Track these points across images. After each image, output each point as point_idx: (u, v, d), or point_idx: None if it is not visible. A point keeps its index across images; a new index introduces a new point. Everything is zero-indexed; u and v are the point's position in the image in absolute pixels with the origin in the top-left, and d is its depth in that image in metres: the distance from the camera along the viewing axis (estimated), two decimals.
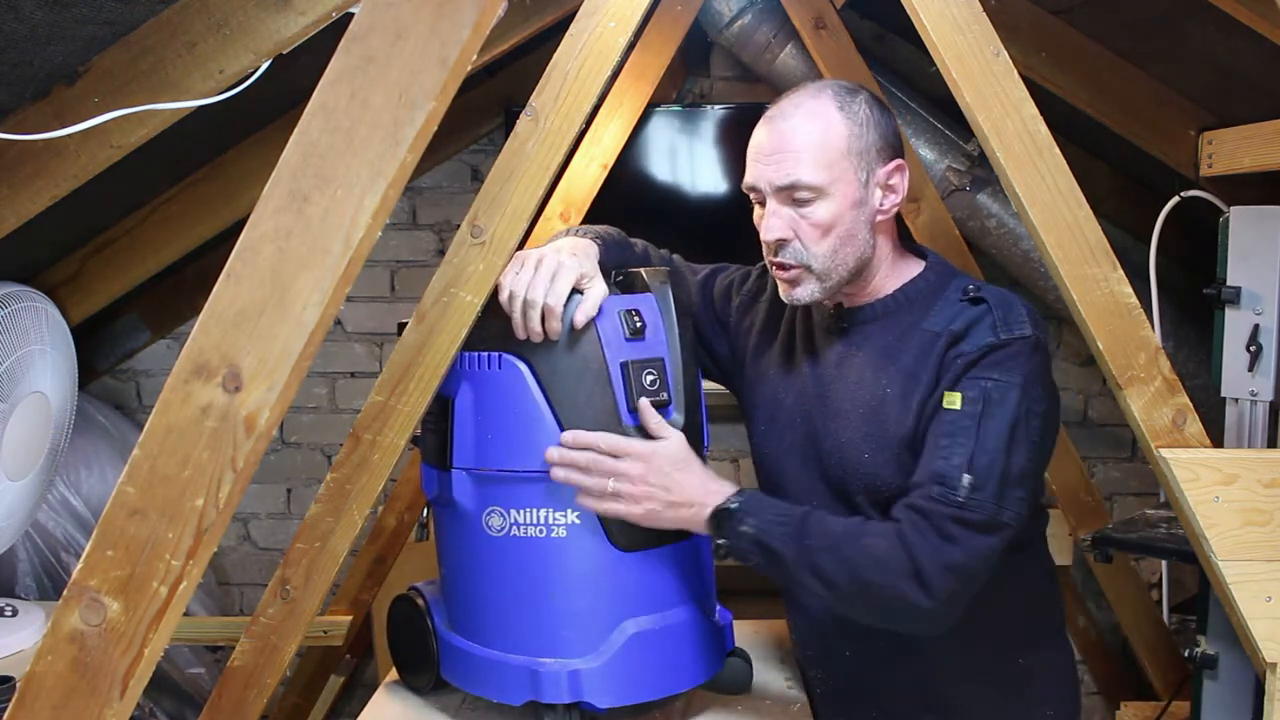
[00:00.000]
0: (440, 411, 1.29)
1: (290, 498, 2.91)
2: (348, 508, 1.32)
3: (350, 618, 2.00)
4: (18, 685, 0.90)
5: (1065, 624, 1.45)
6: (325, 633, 1.96)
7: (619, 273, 1.35)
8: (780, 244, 1.29)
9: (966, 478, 1.19)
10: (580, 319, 1.23)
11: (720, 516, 1.23)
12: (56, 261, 2.15)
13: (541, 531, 1.25)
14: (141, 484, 0.82)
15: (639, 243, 1.49)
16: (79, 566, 0.83)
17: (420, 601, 1.39)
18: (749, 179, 1.31)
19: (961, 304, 1.28)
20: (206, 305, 0.83)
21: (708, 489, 1.24)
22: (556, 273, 1.23)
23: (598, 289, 1.26)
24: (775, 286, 1.36)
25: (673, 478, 1.23)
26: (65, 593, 0.83)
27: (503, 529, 1.26)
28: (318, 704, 2.62)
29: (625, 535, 1.26)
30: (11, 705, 0.83)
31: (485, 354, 1.26)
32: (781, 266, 1.31)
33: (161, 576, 0.82)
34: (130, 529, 0.82)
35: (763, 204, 1.31)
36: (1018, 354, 1.23)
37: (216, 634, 2.16)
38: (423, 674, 1.38)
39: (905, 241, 1.38)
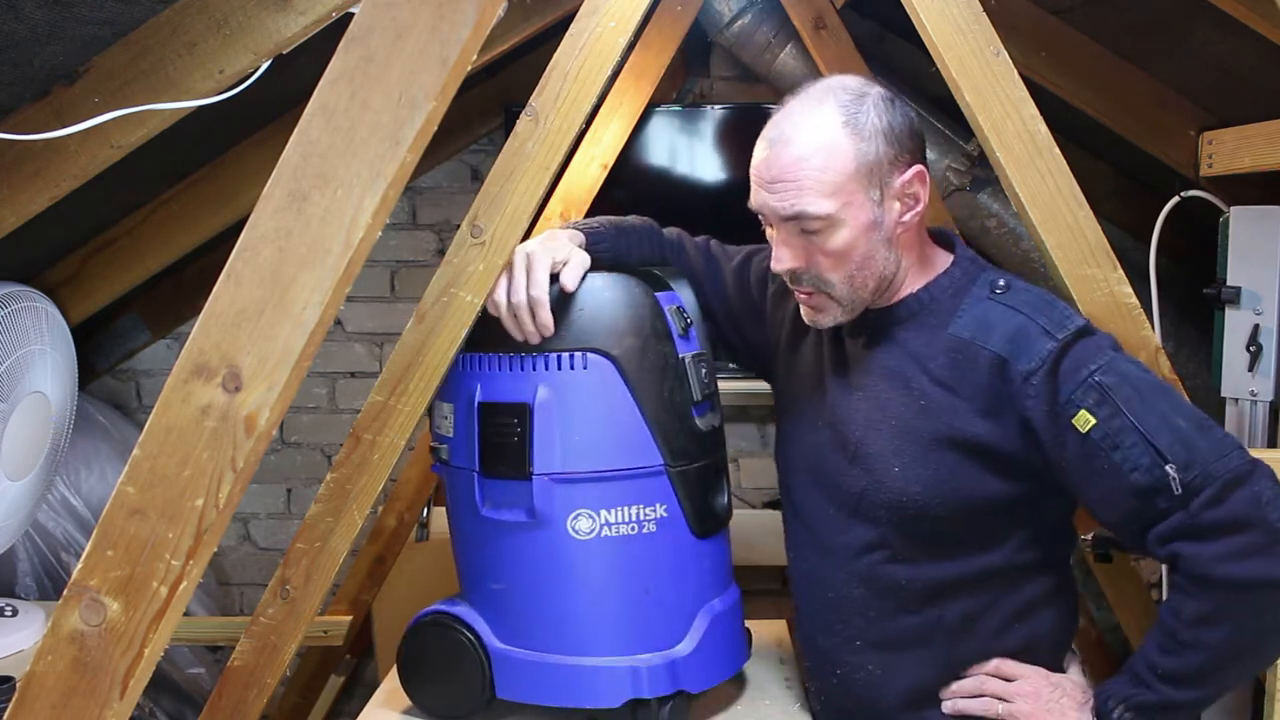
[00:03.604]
0: (514, 420, 1.23)
1: (290, 498, 2.91)
2: (348, 508, 1.31)
3: (350, 618, 2.00)
4: (18, 685, 0.90)
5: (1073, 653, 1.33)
6: (325, 633, 1.96)
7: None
8: (794, 273, 1.23)
9: (1169, 468, 1.08)
10: (568, 285, 1.23)
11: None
12: (56, 261, 2.15)
13: (633, 529, 1.23)
14: (141, 484, 0.82)
15: (671, 231, 1.49)
16: (79, 566, 0.83)
17: (461, 623, 1.30)
18: (754, 203, 1.23)
19: (990, 302, 1.20)
20: (206, 305, 0.83)
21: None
22: (530, 266, 1.23)
23: (575, 260, 1.25)
24: None
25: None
26: (65, 593, 0.83)
27: (591, 531, 1.23)
28: (318, 704, 2.61)
29: (700, 522, 1.28)
30: (11, 705, 0.83)
31: (568, 353, 1.22)
32: (802, 291, 1.25)
33: (161, 576, 0.82)
34: (130, 529, 0.82)
35: (772, 225, 1.24)
36: (1088, 340, 1.15)
37: (216, 634, 2.16)
38: (468, 699, 1.30)
39: (931, 234, 1.30)
